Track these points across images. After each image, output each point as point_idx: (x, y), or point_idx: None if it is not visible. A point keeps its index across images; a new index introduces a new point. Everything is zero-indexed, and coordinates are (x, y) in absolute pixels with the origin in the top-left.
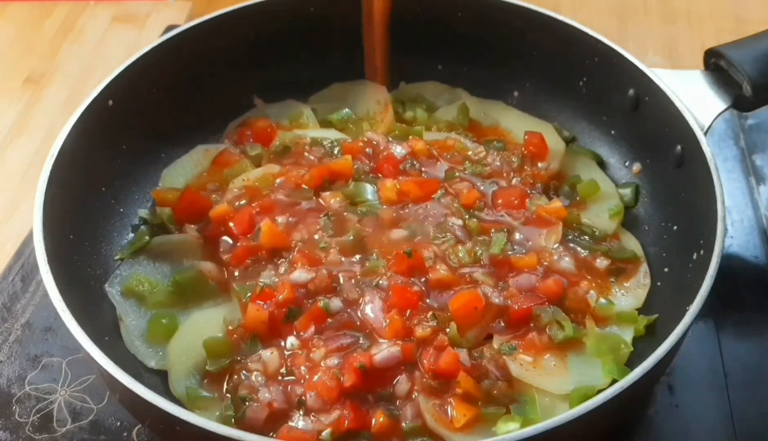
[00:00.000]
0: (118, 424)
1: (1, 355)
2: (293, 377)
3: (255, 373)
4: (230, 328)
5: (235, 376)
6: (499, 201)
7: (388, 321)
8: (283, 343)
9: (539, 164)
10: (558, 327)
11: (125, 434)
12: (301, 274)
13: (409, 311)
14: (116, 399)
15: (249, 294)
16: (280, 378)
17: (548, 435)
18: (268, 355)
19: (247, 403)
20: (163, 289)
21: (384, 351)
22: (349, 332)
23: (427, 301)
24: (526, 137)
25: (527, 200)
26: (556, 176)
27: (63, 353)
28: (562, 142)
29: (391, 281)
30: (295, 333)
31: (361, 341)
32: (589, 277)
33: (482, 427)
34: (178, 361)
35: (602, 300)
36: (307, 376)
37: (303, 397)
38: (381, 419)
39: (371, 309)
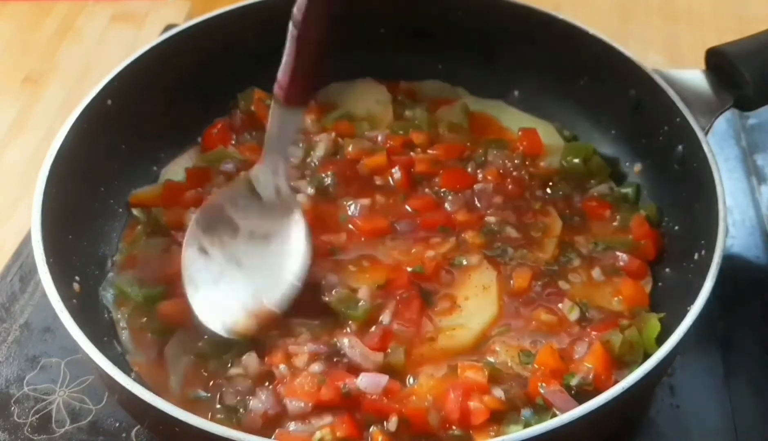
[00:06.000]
0: (117, 425)
1: (0, 356)
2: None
3: (238, 378)
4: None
5: (220, 381)
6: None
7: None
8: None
9: (540, 164)
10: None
11: (124, 435)
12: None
13: None
14: (115, 400)
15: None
16: (267, 384)
17: (549, 435)
18: (246, 357)
19: (240, 411)
20: (158, 291)
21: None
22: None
23: None
24: (519, 133)
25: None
26: (556, 173)
27: (62, 354)
28: (559, 138)
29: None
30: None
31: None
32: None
33: None
34: (175, 362)
35: None
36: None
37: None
38: (379, 438)
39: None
